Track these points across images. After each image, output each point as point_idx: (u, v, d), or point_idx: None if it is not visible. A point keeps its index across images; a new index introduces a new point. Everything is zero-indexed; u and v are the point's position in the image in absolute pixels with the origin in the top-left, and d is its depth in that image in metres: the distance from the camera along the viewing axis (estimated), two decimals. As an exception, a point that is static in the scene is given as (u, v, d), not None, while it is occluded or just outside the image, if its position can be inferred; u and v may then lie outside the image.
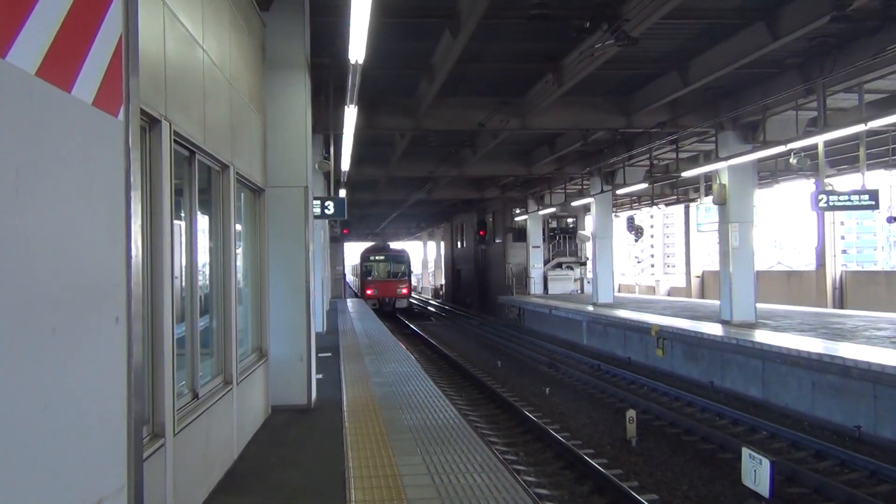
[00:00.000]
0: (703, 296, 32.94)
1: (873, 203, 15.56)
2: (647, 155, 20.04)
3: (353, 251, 49.42)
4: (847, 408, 11.19)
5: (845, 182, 22.32)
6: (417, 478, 6.17)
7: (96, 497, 2.17)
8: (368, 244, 47.39)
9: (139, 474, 2.38)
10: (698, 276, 34.78)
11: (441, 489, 5.83)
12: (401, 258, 41.47)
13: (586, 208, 30.54)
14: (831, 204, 15.55)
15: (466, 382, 17.16)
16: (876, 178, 21.03)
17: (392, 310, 37.81)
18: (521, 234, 34.90)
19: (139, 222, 2.42)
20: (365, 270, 41.09)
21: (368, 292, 39.39)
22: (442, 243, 59.18)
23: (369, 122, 16.47)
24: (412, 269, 44.62)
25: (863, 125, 12.22)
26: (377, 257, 41.02)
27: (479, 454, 6.90)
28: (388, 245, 43.97)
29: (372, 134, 18.36)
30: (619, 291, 34.66)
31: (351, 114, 11.76)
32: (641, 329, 18.29)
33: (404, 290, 39.87)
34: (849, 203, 15.68)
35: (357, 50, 8.17)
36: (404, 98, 16.49)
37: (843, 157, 21.04)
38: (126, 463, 2.33)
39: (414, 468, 6.45)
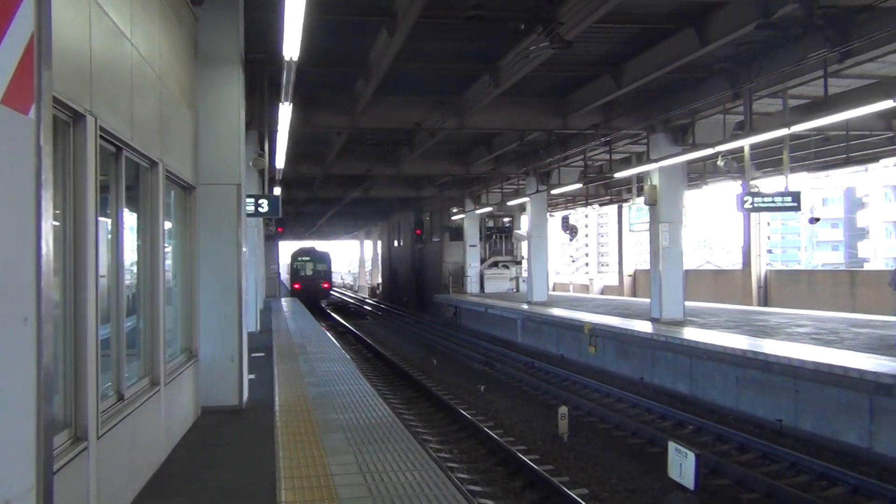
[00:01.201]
0: (635, 294, 33.61)
1: (795, 205, 16.12)
2: (582, 156, 20.36)
3: (289, 250, 53.79)
4: (769, 402, 11.60)
5: (770, 184, 23.05)
6: (349, 477, 6.15)
7: (3, 498, 2.13)
8: (304, 244, 54.94)
9: (49, 476, 2.35)
10: (630, 275, 35.46)
11: (373, 488, 5.84)
12: (323, 259, 49.78)
13: (522, 208, 30.84)
14: (756, 205, 16.05)
15: (401, 381, 17.17)
16: (799, 181, 21.71)
17: (314, 301, 44.56)
18: (457, 234, 35.12)
19: (50, 221, 2.37)
20: (294, 269, 49.33)
21: (296, 287, 47.87)
22: (379, 242, 59.60)
23: (305, 119, 16.30)
24: (332, 267, 53.83)
25: (786, 129, 12.67)
26: (304, 258, 49.32)
27: (413, 453, 6.92)
28: (314, 248, 51.84)
29: (308, 132, 18.16)
30: (553, 290, 35.26)
31: (286, 111, 11.63)
32: (574, 327, 18.58)
33: (325, 285, 49.35)
34: (773, 204, 16.19)
35: (292, 46, 8.08)
36: (341, 96, 16.38)
37: (768, 159, 21.78)
38: (35, 464, 2.29)
39: (346, 468, 6.43)
